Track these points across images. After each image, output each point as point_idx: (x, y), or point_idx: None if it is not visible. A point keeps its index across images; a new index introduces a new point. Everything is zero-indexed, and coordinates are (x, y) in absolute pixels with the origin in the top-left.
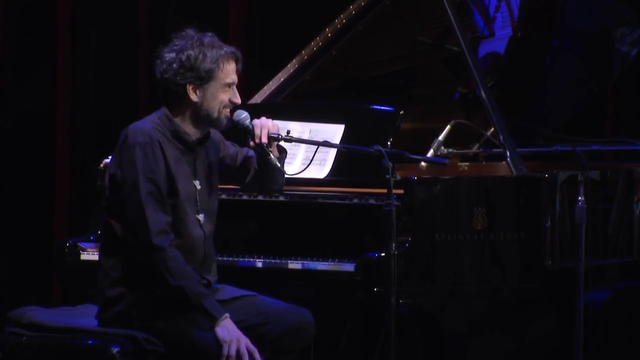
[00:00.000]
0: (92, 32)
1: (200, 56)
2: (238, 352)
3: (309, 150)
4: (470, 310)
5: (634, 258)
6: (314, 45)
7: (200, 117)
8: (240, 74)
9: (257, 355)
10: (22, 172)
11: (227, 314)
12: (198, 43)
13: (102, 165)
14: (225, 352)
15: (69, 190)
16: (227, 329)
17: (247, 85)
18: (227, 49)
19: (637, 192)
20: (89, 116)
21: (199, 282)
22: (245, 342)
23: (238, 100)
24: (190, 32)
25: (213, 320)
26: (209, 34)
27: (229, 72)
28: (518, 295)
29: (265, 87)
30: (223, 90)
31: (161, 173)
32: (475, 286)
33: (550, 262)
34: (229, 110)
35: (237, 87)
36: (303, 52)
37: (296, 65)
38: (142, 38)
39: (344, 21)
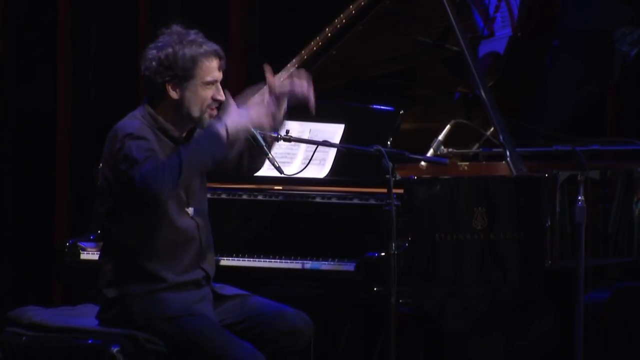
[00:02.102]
0: (92, 31)
1: (179, 54)
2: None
3: (308, 150)
4: (470, 310)
5: (634, 258)
6: (314, 45)
7: (182, 115)
8: (224, 70)
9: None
10: (22, 172)
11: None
12: (178, 41)
13: (102, 165)
14: None
15: (69, 190)
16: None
17: (247, 85)
18: (207, 46)
19: (637, 192)
20: (89, 116)
21: (177, 151)
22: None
23: (222, 98)
24: (176, 28)
25: (219, 138)
26: (193, 31)
27: (209, 70)
28: (518, 295)
29: (265, 87)
30: (204, 89)
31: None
32: (475, 286)
33: (550, 262)
34: (214, 108)
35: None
36: (303, 52)
37: (296, 65)
38: (142, 38)
39: (344, 21)
